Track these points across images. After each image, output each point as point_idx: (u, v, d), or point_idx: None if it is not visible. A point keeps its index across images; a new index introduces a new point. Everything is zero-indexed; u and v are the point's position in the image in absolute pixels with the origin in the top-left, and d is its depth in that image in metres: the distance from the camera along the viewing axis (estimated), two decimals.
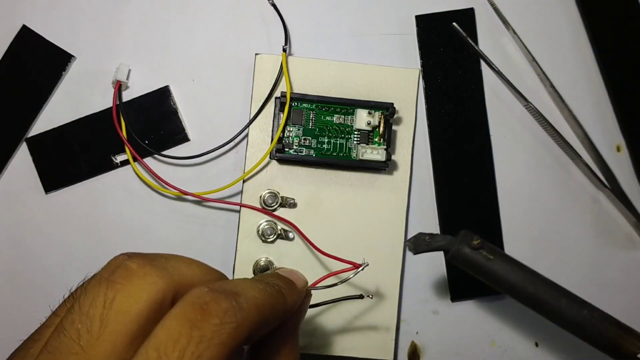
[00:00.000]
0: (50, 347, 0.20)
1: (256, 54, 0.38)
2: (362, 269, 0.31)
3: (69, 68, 0.39)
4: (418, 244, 0.31)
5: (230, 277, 0.37)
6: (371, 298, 0.34)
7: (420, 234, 0.31)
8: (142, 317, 0.21)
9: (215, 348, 0.20)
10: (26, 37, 0.39)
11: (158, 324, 0.21)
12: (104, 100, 0.39)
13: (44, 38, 0.39)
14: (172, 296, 0.22)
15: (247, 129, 0.38)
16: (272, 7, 0.38)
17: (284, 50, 0.38)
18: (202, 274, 0.24)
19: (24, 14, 0.39)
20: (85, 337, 0.20)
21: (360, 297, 0.33)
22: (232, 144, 0.38)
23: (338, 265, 0.32)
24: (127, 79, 0.39)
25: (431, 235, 0.31)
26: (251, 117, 0.38)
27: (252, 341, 0.24)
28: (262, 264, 0.37)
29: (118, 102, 0.38)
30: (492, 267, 0.31)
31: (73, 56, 0.39)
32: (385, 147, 0.37)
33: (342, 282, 0.31)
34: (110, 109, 0.38)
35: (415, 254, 0.31)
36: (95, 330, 0.20)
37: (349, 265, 0.31)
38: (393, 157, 0.38)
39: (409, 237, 0.38)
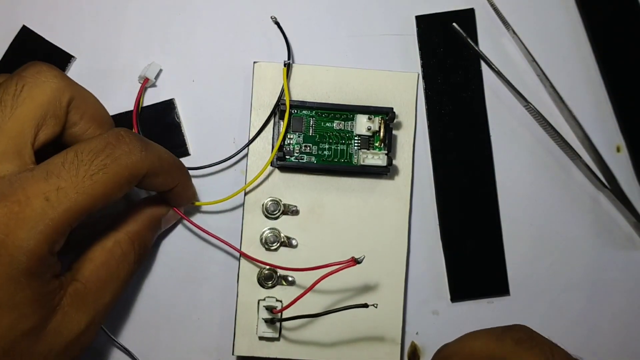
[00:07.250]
0: None
1: (254, 62, 0.38)
2: (360, 262, 0.31)
3: (69, 68, 0.39)
4: None
5: (235, 285, 0.37)
6: (375, 307, 0.32)
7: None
8: (43, 106, 0.27)
9: (118, 165, 0.26)
10: (26, 37, 0.39)
11: (83, 141, 0.27)
12: (105, 102, 0.38)
13: (44, 38, 0.39)
14: (69, 100, 0.28)
15: (249, 140, 0.38)
16: (272, 20, 0.38)
17: (285, 65, 0.37)
18: (97, 105, 0.31)
19: (24, 14, 0.39)
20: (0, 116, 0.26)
21: (365, 306, 0.32)
22: (235, 158, 0.38)
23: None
24: (156, 78, 0.39)
25: None
26: (251, 123, 0.38)
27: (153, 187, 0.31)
28: (265, 272, 0.37)
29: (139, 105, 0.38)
30: None
31: (73, 56, 0.39)
32: (386, 152, 0.37)
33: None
34: (118, 115, 0.38)
35: None
36: (7, 111, 0.26)
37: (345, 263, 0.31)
38: (394, 162, 0.38)
39: (411, 240, 0.39)
